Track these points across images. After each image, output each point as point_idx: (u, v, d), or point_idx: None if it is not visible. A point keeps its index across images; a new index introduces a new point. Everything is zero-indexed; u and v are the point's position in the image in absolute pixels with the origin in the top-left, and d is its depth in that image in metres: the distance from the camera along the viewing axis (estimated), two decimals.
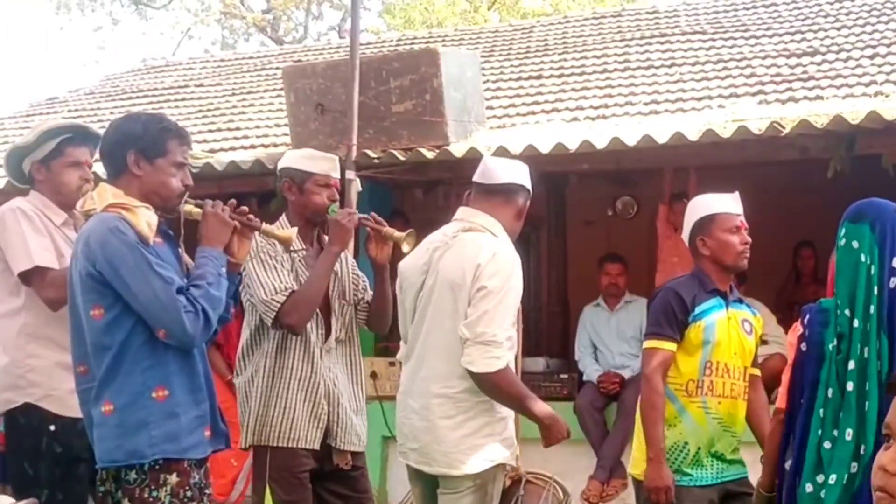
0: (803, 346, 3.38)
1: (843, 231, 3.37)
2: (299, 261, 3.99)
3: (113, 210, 3.17)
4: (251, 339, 4.02)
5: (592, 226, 8.80)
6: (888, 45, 8.08)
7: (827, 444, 3.21)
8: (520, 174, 3.67)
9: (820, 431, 3.25)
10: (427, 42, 10.54)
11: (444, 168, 7.09)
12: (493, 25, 13.36)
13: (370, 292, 4.16)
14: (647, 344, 3.87)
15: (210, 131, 9.05)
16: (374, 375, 6.51)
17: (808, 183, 6.96)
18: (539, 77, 8.91)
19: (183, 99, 10.41)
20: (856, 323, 3.23)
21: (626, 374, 6.81)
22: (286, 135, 7.83)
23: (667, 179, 7.24)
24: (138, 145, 3.21)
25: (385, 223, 4.07)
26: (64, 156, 3.80)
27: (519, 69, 9.24)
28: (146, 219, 3.17)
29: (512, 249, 3.55)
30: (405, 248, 3.94)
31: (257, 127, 8.95)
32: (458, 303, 3.44)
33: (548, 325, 8.51)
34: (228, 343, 6.61)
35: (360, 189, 6.58)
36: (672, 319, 3.83)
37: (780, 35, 8.85)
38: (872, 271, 3.26)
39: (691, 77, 8.25)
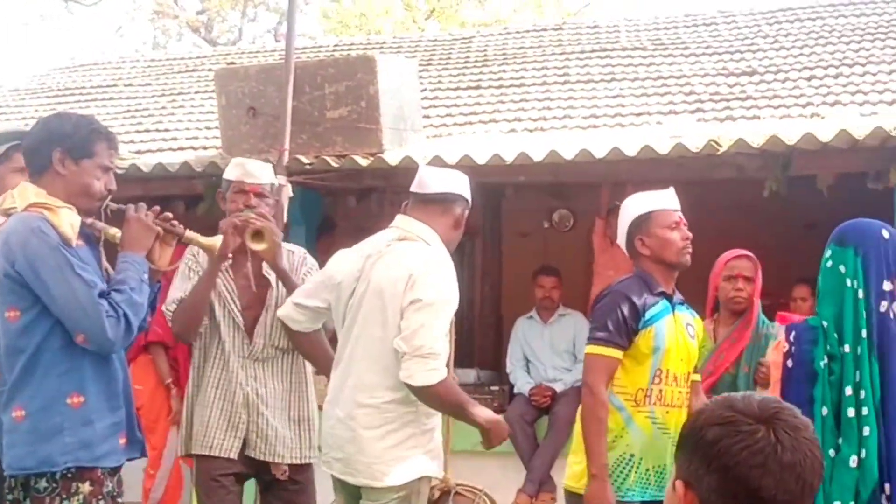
0: (789, 363, 3.37)
1: (829, 253, 3.41)
2: (224, 269, 4.01)
3: (34, 210, 3.11)
4: (193, 350, 4.14)
5: (528, 238, 8.77)
6: (825, 68, 8.18)
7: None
8: (457, 184, 3.63)
9: None
10: (364, 49, 10.42)
11: (379, 176, 7.02)
12: (433, 34, 13.29)
13: None
14: (592, 349, 3.64)
15: (137, 132, 8.86)
16: None
17: (745, 202, 6.97)
18: (478, 88, 8.87)
19: (111, 98, 10.17)
20: (846, 348, 3.25)
21: (558, 387, 6.80)
22: (216, 138, 7.70)
23: (604, 194, 7.26)
24: (65, 144, 3.16)
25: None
26: (11, 161, 3.70)
27: (457, 79, 9.19)
28: (69, 220, 3.11)
29: (446, 260, 3.50)
30: (254, 244, 3.93)
31: (187, 129, 8.79)
32: (388, 313, 3.40)
33: (480, 337, 8.48)
34: (177, 346, 6.48)
35: (291, 195, 6.48)
36: (621, 326, 3.61)
37: (720, 54, 8.90)
38: (860, 295, 3.30)
39: (630, 93, 8.26)
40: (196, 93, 9.83)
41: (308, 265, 4.19)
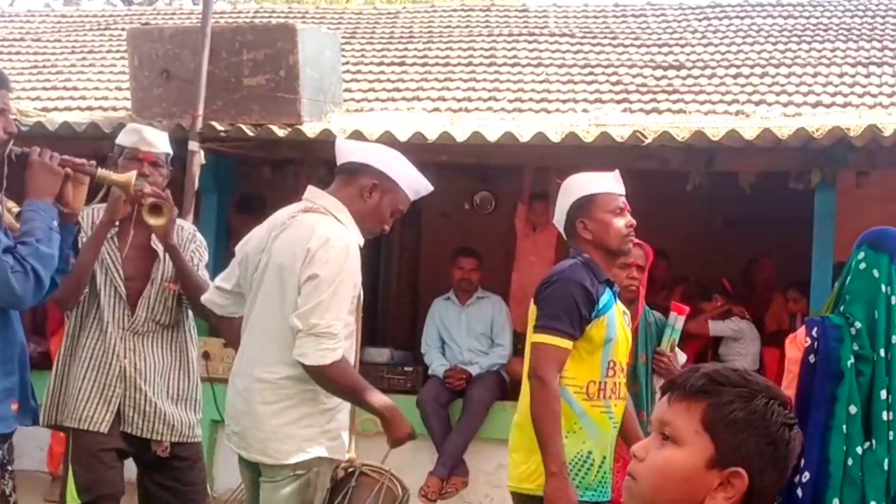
0: (811, 358, 3.33)
1: (863, 255, 3.38)
2: (110, 237, 3.88)
3: None
4: (66, 318, 3.97)
5: (448, 219, 8.70)
6: (752, 67, 8.21)
7: (850, 461, 3.24)
8: (369, 154, 3.46)
9: (844, 448, 3.24)
10: (286, 17, 10.16)
11: (295, 148, 6.88)
12: (357, 7, 13.07)
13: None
14: (540, 338, 3.37)
15: (45, 89, 8.57)
16: (206, 356, 6.22)
17: (668, 194, 6.93)
18: (402, 64, 8.72)
19: (17, 52, 9.81)
20: (882, 352, 3.29)
21: (474, 370, 6.74)
22: (127, 99, 7.50)
23: (527, 179, 7.22)
24: None
25: (163, 196, 3.84)
26: None
27: (381, 54, 9.02)
28: None
29: (349, 235, 3.34)
30: (152, 220, 3.78)
31: (96, 88, 8.52)
32: (286, 287, 3.27)
33: (396, 316, 8.38)
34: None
35: (204, 162, 6.30)
36: (575, 315, 3.36)
37: (648, 46, 8.88)
38: (893, 301, 3.31)
39: (557, 79, 8.19)
40: (108, 52, 9.53)
41: (197, 242, 4.07)
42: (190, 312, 4.01)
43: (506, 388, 6.71)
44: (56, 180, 3.11)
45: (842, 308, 3.38)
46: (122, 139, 3.99)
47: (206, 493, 4.12)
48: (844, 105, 7.26)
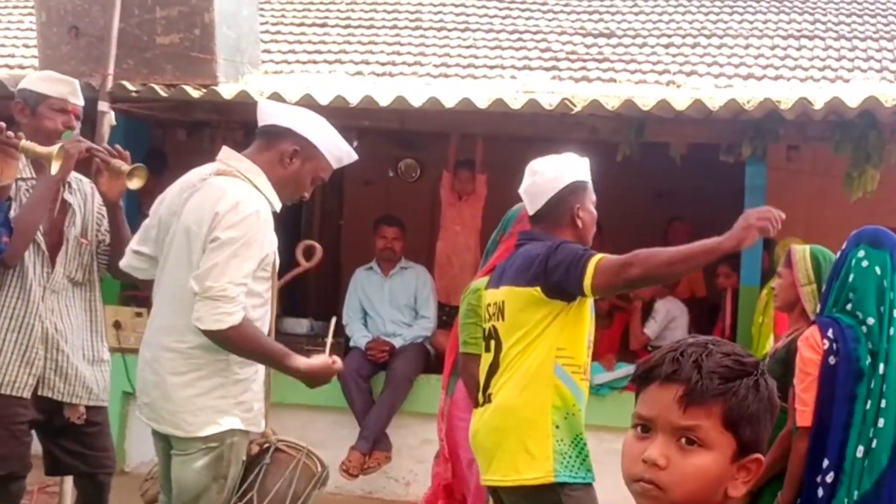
0: (832, 360, 3.41)
1: (863, 253, 3.49)
2: (26, 190, 3.71)
3: None
4: None
5: (371, 186, 8.52)
6: (683, 37, 8.14)
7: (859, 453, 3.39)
8: (292, 118, 3.33)
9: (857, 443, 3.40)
10: None
11: (211, 109, 6.68)
12: None
13: None
14: (595, 259, 3.05)
15: None
16: (117, 325, 6.04)
17: (597, 165, 6.77)
18: (324, 26, 8.49)
19: None
20: (885, 345, 3.43)
21: (397, 342, 6.58)
22: (35, 57, 7.19)
23: (452, 145, 7.07)
24: None
25: (123, 154, 3.75)
26: None
27: (302, 14, 8.78)
28: None
29: (261, 200, 3.20)
30: (132, 184, 3.68)
31: (2, 45, 8.18)
32: (193, 253, 3.16)
33: (316, 286, 8.19)
34: None
35: (115, 123, 6.03)
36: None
37: (578, 13, 8.75)
38: (891, 296, 3.46)
39: (484, 44, 8.03)
40: (14, 7, 9.15)
41: (98, 200, 3.92)
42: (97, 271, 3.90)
43: (430, 361, 6.56)
44: None
45: (849, 307, 3.48)
46: (46, 87, 3.80)
47: (115, 459, 4.03)
48: (776, 78, 7.20)
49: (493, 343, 3.34)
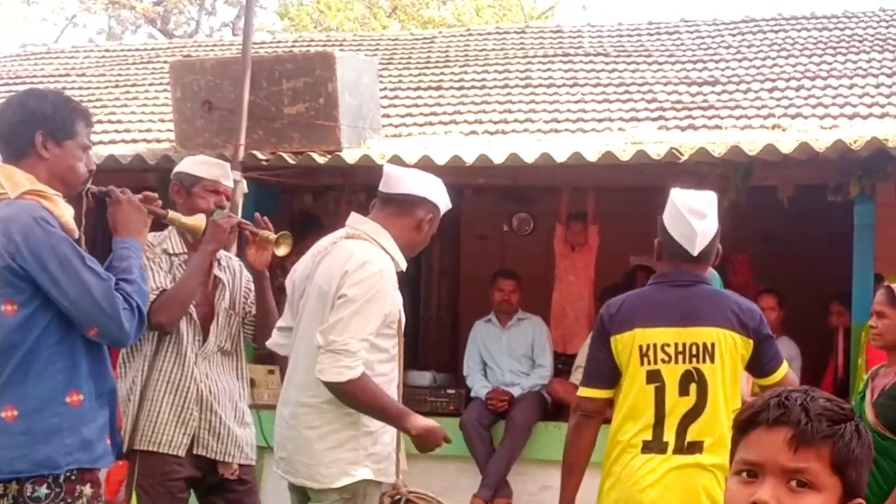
0: None
1: None
2: (178, 264, 3.91)
3: (31, 198, 2.91)
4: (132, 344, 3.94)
5: (486, 240, 8.72)
6: (787, 80, 8.16)
7: None
8: (424, 186, 3.57)
9: None
10: (324, 45, 10.28)
11: (336, 174, 6.94)
12: (394, 33, 13.19)
13: None
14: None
15: None
16: (251, 383, 6.23)
17: None
18: (438, 88, 8.77)
19: (63, 88, 9.83)
20: None
21: (516, 391, 6.73)
22: (170, 131, 7.57)
23: (564, 199, 7.19)
24: (48, 126, 2.98)
25: (269, 225, 3.99)
26: None
27: (418, 79, 9.09)
28: (67, 210, 2.96)
29: (387, 260, 3.42)
30: (280, 251, 3.92)
31: (140, 121, 8.61)
32: (325, 311, 3.35)
33: (437, 339, 8.41)
34: None
35: (246, 191, 6.36)
36: None
37: (683, 63, 8.86)
38: None
39: (592, 98, 8.20)
40: (151, 85, 9.63)
41: (246, 276, 4.14)
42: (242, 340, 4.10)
43: (547, 408, 6.73)
44: (143, 218, 3.19)
45: None
46: (201, 170, 4.01)
47: None
48: (881, 116, 7.20)
49: (693, 386, 3.44)
